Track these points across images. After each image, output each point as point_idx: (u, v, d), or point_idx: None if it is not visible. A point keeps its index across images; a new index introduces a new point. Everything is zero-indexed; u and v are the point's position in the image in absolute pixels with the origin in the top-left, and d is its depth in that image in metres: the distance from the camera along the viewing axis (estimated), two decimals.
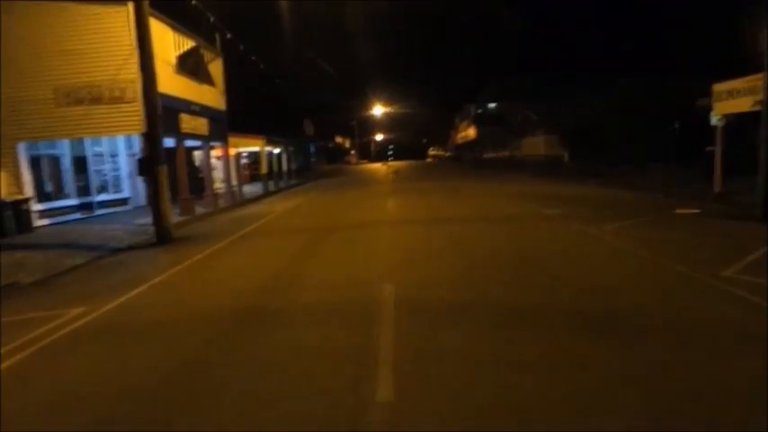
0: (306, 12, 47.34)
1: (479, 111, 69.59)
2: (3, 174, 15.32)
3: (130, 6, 14.47)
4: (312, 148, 59.87)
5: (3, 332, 6.07)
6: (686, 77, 27.72)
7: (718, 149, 16.13)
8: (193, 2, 16.31)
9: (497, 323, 5.21)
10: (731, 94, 15.46)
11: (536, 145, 47.15)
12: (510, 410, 3.44)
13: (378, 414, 3.45)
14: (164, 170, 12.43)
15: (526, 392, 3.68)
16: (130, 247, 12.24)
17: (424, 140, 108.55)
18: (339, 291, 6.91)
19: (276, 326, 5.58)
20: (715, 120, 16.02)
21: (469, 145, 74.95)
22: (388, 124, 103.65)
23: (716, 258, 7.47)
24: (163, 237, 12.54)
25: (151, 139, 12.25)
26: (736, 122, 16.51)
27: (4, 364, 5.00)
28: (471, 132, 73.28)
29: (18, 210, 14.77)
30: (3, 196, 14.73)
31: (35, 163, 16.96)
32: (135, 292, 7.67)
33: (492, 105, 67.19)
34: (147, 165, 12.45)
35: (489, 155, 63.50)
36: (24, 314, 6.98)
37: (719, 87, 16.06)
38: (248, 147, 28.13)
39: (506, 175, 32.42)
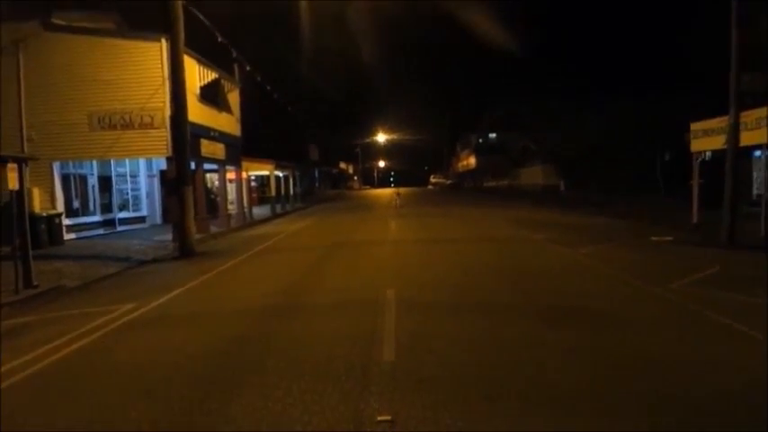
0: (312, 41, 49.40)
1: (480, 140, 71.51)
2: (37, 190, 16.72)
3: (163, 42, 16.13)
4: (316, 173, 61.57)
5: (71, 322, 7.34)
6: (683, 105, 28.82)
7: (695, 184, 17.49)
8: (220, 40, 17.92)
9: (478, 316, 6.57)
10: (707, 132, 16.84)
11: (534, 174, 48.76)
12: (482, 366, 4.77)
13: (383, 367, 4.80)
14: (190, 190, 13.83)
15: (496, 358, 4.99)
16: (155, 260, 13.55)
17: (426, 168, 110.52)
18: (349, 294, 8.24)
19: (299, 318, 6.89)
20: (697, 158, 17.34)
21: (470, 173, 76.72)
22: (390, 151, 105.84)
23: (669, 275, 8.77)
24: (186, 251, 13.84)
25: (180, 162, 13.69)
26: (722, 158, 17.86)
27: (76, 346, 6.23)
28: (472, 161, 75.12)
29: (51, 223, 16.13)
30: (37, 211, 16.10)
31: (65, 181, 18.40)
32: (172, 294, 8.96)
33: (492, 135, 69.12)
34: (176, 185, 13.84)
35: (490, 183, 65.14)
36: (80, 309, 8.25)
37: (696, 126, 17.48)
38: (259, 170, 29.64)
39: (504, 203, 33.85)
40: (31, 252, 10.06)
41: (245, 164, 24.66)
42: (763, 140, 14.00)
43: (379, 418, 3.71)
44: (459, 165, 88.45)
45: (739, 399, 4.03)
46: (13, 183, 9.78)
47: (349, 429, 3.61)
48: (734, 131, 13.29)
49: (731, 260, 10.58)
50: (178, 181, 13.77)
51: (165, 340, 6.30)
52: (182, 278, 10.46)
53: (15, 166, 9.84)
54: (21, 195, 10.05)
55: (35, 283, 9.81)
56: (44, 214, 15.94)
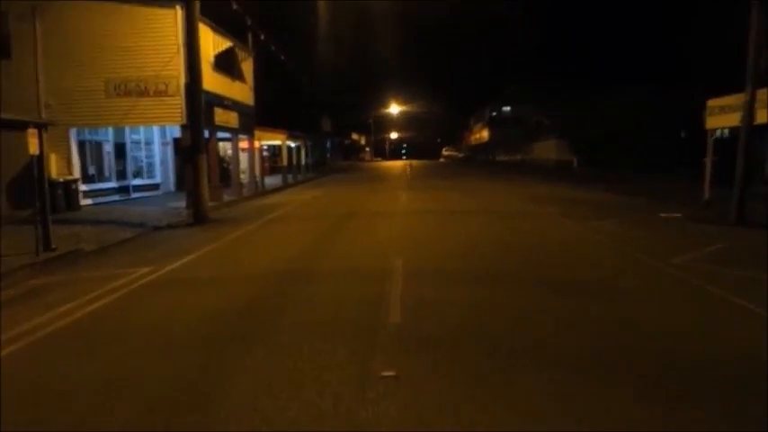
0: (326, 11, 48.86)
1: (494, 113, 70.81)
2: (54, 156, 17.01)
3: (178, 9, 16.16)
4: (328, 144, 61.56)
5: (90, 283, 7.64)
6: (701, 85, 28.45)
7: (708, 161, 17.39)
8: (235, 7, 17.89)
9: (481, 284, 6.79)
10: (723, 109, 16.66)
11: (547, 149, 48.40)
12: (483, 329, 5.02)
13: (389, 328, 5.05)
14: (204, 158, 14.05)
15: (497, 322, 5.21)
16: (170, 226, 13.84)
17: (439, 140, 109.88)
18: (359, 261, 8.48)
19: (310, 283, 7.15)
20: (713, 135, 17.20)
21: (483, 146, 76.24)
22: (403, 123, 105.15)
23: (673, 250, 8.89)
24: (200, 217, 14.13)
25: (194, 130, 13.87)
26: (738, 136, 17.68)
27: (102, 302, 6.55)
28: (485, 134, 74.56)
29: (68, 189, 16.48)
30: (55, 176, 16.42)
31: (81, 147, 18.68)
32: (188, 258, 9.25)
33: (507, 108, 68.42)
34: (190, 153, 14.06)
35: (502, 157, 64.75)
36: (100, 272, 8.56)
37: (713, 103, 17.29)
38: (271, 140, 29.77)
39: (515, 177, 33.79)
40: (49, 216, 10.37)
41: (257, 133, 24.79)
42: None
43: (383, 374, 3.95)
44: (472, 138, 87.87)
45: (719, 360, 4.22)
46: (33, 148, 10.03)
47: (356, 383, 3.86)
48: (749, 109, 13.16)
49: (737, 237, 10.65)
50: (193, 149, 13.98)
51: (181, 301, 6.58)
52: (196, 244, 10.75)
53: (36, 131, 10.08)
54: (40, 160, 10.30)
55: (53, 247, 10.13)
56: (61, 180, 16.27)
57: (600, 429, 3.22)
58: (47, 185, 10.56)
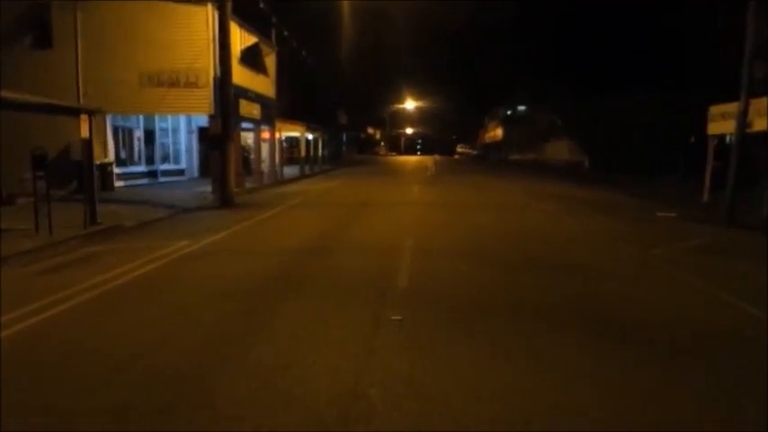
0: (346, 7, 49.77)
1: (508, 112, 71.42)
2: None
3: (209, 7, 17.28)
4: (344, 137, 62.64)
5: (138, 251, 8.77)
6: (713, 90, 28.96)
7: (708, 165, 18.22)
8: (261, 5, 18.99)
9: (479, 261, 7.84)
10: (724, 116, 17.45)
11: (560, 150, 49.11)
12: (475, 292, 6.09)
13: (397, 290, 6.16)
14: (232, 146, 15.17)
15: (488, 288, 6.27)
16: (199, 208, 14.99)
17: (454, 137, 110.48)
18: (373, 241, 9.58)
19: (331, 256, 8.26)
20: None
21: (497, 145, 76.84)
22: (418, 119, 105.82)
23: (658, 243, 9.85)
24: (226, 201, 15.26)
25: (225, 120, 15.00)
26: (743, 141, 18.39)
27: (153, 266, 7.66)
28: (499, 133, 75.19)
29: (104, 171, 17.70)
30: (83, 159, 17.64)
31: (115, 133, 19.92)
32: (221, 234, 10.37)
33: (521, 108, 69.01)
34: (219, 140, 15.19)
35: (515, 156, 65.44)
36: (144, 243, 9.68)
37: (715, 109, 18.10)
38: (290, 132, 30.91)
39: (526, 175, 34.65)
40: (96, 193, 11.55)
41: (278, 125, 25.92)
42: None
43: (392, 317, 5.02)
44: (487, 136, 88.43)
45: (657, 320, 5.24)
46: (84, 132, 11.23)
47: (370, 323, 4.94)
48: (742, 116, 13.99)
49: (721, 235, 11.57)
50: (222, 137, 15.11)
51: (221, 266, 7.70)
52: (226, 223, 11.88)
53: (87, 117, 11.26)
54: (89, 143, 11.49)
55: (99, 221, 11.31)
56: (98, 162, 17.45)
57: (549, 357, 4.25)
58: (91, 166, 11.74)
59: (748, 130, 15.95)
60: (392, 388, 3.64)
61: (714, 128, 18.00)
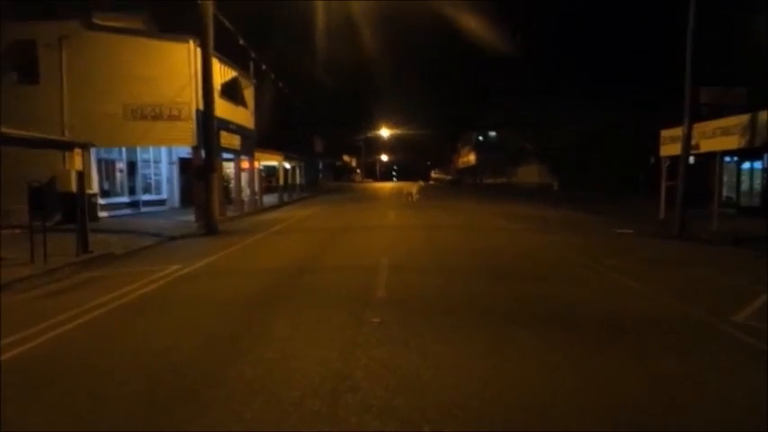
0: (319, 33, 51.14)
1: (480, 138, 73.51)
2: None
3: (191, 43, 18.21)
4: (320, 165, 63.67)
5: (132, 276, 9.42)
6: (674, 112, 30.49)
7: (662, 185, 19.59)
8: (241, 42, 20.01)
9: (448, 275, 8.77)
10: (673, 139, 18.89)
11: (530, 173, 50.93)
12: (443, 300, 6.98)
13: (377, 298, 7.02)
14: (215, 177, 15.94)
15: (453, 296, 7.15)
16: (184, 236, 15.63)
17: (429, 163, 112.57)
18: (353, 261, 10.45)
19: (316, 273, 9.12)
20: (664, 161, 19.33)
21: (471, 170, 78.76)
22: (393, 146, 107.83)
23: (611, 254, 10.91)
24: (210, 229, 15.96)
25: (208, 152, 15.80)
26: (701, 163, 19.85)
27: (152, 287, 8.37)
28: (472, 158, 77.19)
29: (88, 202, 18.20)
30: (77, 190, 18.19)
31: (98, 165, 20.50)
32: (210, 259, 11.08)
33: (492, 134, 71.18)
34: (203, 171, 15.96)
35: (489, 180, 67.26)
36: (137, 268, 10.34)
37: (666, 133, 19.56)
38: (268, 161, 31.76)
39: (497, 199, 35.99)
40: (87, 224, 12.15)
41: (256, 154, 26.77)
42: (717, 148, 16.18)
43: (372, 320, 5.87)
44: (460, 161, 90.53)
45: (591, 314, 6.17)
46: (77, 164, 11.92)
47: (353, 324, 5.77)
48: (686, 140, 15.32)
49: (669, 248, 12.70)
50: (205, 168, 15.88)
51: (214, 285, 8.45)
52: (213, 249, 12.60)
53: (80, 150, 11.97)
54: (82, 175, 12.16)
55: (90, 249, 11.92)
56: None
57: (504, 344, 5.13)
58: (83, 198, 12.37)
59: (696, 152, 17.36)
60: (373, 370, 4.47)
61: (666, 150, 19.43)
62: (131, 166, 22.76)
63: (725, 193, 23.94)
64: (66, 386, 4.33)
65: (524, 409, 3.78)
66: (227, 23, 18.12)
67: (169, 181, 25.47)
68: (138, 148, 22.71)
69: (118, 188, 22.18)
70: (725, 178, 24.28)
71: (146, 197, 23.53)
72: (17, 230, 14.99)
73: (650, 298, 7.28)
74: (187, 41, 18.48)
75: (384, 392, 4.01)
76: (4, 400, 4.02)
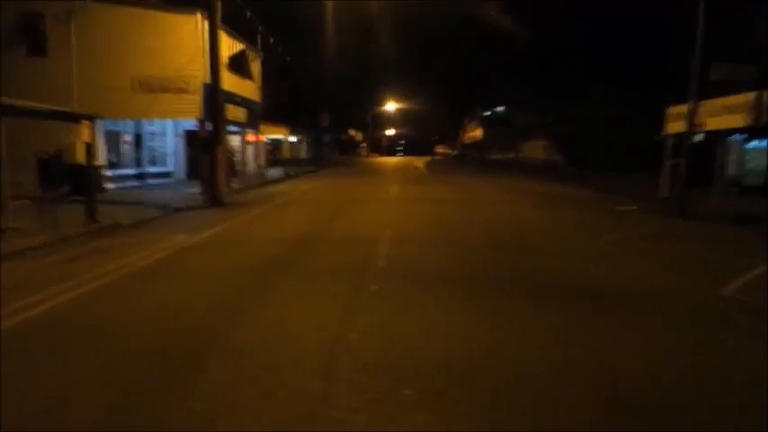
0: (327, 9, 50.67)
1: (487, 113, 72.97)
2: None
3: (199, 16, 18.21)
4: (326, 139, 63.59)
5: (141, 245, 9.68)
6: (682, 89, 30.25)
7: (666, 163, 19.60)
8: (248, 14, 19.98)
9: (448, 246, 9.02)
10: (679, 116, 18.81)
11: (537, 149, 50.67)
12: (441, 269, 7.20)
13: (377, 268, 7.26)
14: (221, 149, 16.12)
15: (453, 266, 7.38)
16: (190, 208, 15.86)
17: (434, 138, 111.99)
18: (356, 232, 10.71)
19: (320, 243, 9.39)
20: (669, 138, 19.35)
21: (477, 145, 78.32)
22: (399, 120, 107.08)
23: (608, 231, 11.08)
24: (216, 201, 16.18)
25: (215, 124, 15.94)
26: (709, 141, 19.79)
27: (159, 255, 8.63)
28: (478, 133, 76.72)
29: (96, 174, 18.48)
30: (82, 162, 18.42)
31: (105, 136, 20.68)
32: (215, 229, 11.33)
33: (500, 109, 70.60)
34: (209, 143, 16.13)
35: (495, 155, 66.95)
36: (145, 238, 10.58)
37: (672, 110, 19.49)
38: (274, 134, 31.88)
39: (502, 174, 36.04)
40: (95, 195, 12.41)
41: (262, 128, 26.89)
42: (723, 126, 16.17)
43: (371, 287, 6.12)
44: (466, 136, 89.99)
45: (584, 286, 6.39)
46: (87, 137, 12.13)
47: (353, 291, 6.02)
48: (691, 117, 15.33)
49: (670, 225, 12.85)
50: (211, 140, 16.05)
51: (221, 254, 8.71)
52: (219, 220, 12.84)
53: (89, 122, 12.15)
54: (90, 147, 12.37)
55: (98, 220, 12.18)
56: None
57: (496, 311, 5.36)
58: (91, 169, 12.61)
59: (701, 130, 17.34)
60: (368, 332, 4.72)
61: (671, 127, 19.40)
62: (137, 139, 22.94)
63: (731, 171, 23.91)
64: (86, 340, 4.63)
65: (511, 371, 4.02)
66: None
67: (175, 153, 25.63)
68: (144, 121, 22.86)
69: (124, 160, 22.40)
70: (732, 157, 24.23)
71: (152, 169, 23.76)
72: (26, 201, 15.28)
73: (644, 271, 7.48)
74: (195, 14, 18.47)
75: (376, 351, 4.26)
76: (29, 351, 4.31)
